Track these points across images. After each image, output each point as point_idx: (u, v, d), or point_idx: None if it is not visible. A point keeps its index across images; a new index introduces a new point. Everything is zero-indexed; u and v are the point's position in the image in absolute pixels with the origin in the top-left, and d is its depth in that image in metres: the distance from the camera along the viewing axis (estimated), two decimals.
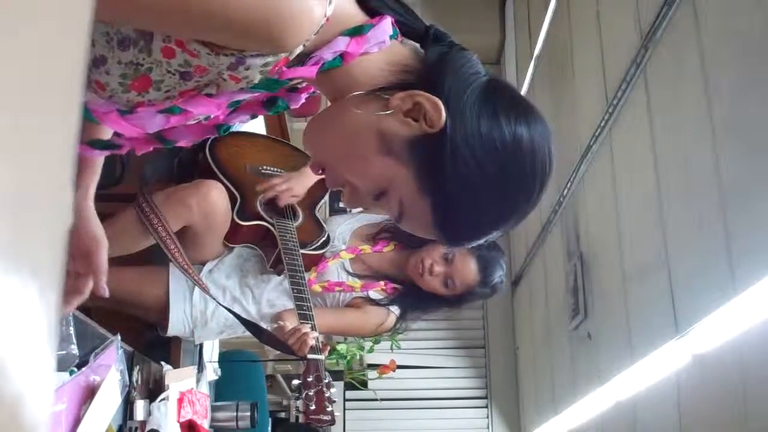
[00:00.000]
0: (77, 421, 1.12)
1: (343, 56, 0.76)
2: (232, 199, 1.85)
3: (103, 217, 1.81)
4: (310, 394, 1.50)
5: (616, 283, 2.96)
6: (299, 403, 1.50)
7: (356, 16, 0.78)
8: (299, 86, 0.87)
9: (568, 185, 3.66)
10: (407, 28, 0.83)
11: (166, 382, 1.52)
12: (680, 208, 2.35)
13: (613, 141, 3.06)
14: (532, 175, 0.79)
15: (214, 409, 1.80)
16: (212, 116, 0.85)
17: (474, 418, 5.36)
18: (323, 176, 0.86)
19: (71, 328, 1.14)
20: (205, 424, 1.63)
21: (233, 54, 0.72)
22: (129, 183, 2.02)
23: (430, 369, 5.38)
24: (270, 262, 1.90)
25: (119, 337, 1.30)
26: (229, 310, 1.50)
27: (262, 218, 1.89)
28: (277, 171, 2.06)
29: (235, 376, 2.33)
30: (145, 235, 1.74)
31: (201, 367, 1.99)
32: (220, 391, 2.15)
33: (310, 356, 1.58)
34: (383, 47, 0.79)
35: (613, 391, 3.02)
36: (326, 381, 1.53)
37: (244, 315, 1.79)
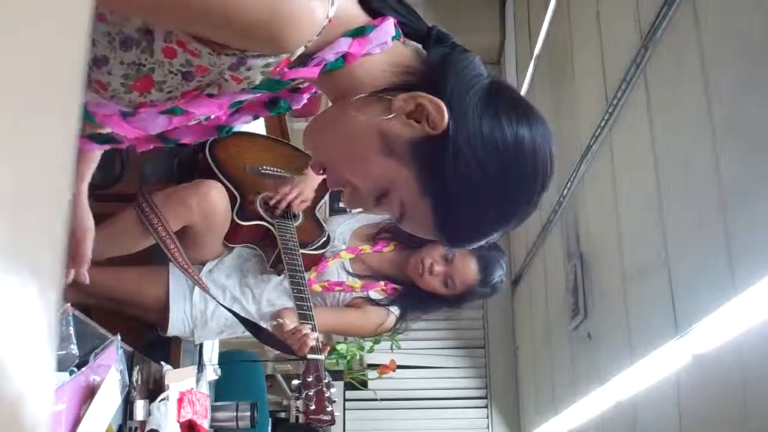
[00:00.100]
0: (77, 421, 1.12)
1: (345, 57, 0.76)
2: (232, 199, 1.85)
3: (103, 217, 1.82)
4: (310, 394, 1.50)
5: (616, 283, 2.96)
6: (299, 403, 1.50)
7: (358, 17, 0.78)
8: (301, 87, 0.87)
9: (568, 185, 3.66)
10: (409, 29, 0.83)
11: (166, 382, 1.52)
12: (680, 208, 2.35)
13: (613, 141, 3.06)
14: (533, 177, 0.79)
15: (214, 409, 1.80)
16: (214, 117, 0.85)
17: (474, 418, 5.36)
18: (324, 176, 0.86)
19: (71, 328, 1.14)
20: (205, 424, 1.63)
21: (234, 54, 0.72)
22: (129, 182, 2.03)
23: (430, 369, 5.38)
24: (270, 262, 1.90)
25: (119, 337, 1.30)
26: (229, 310, 1.50)
27: (262, 218, 1.89)
28: (277, 171, 2.06)
29: (235, 376, 2.33)
30: (145, 235, 1.74)
31: (201, 367, 1.99)
32: (220, 391, 2.15)
33: (309, 356, 1.58)
34: (385, 48, 0.79)
35: (613, 391, 3.02)
36: (326, 381, 1.53)
37: (243, 315, 1.79)
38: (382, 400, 4.93)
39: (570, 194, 3.70)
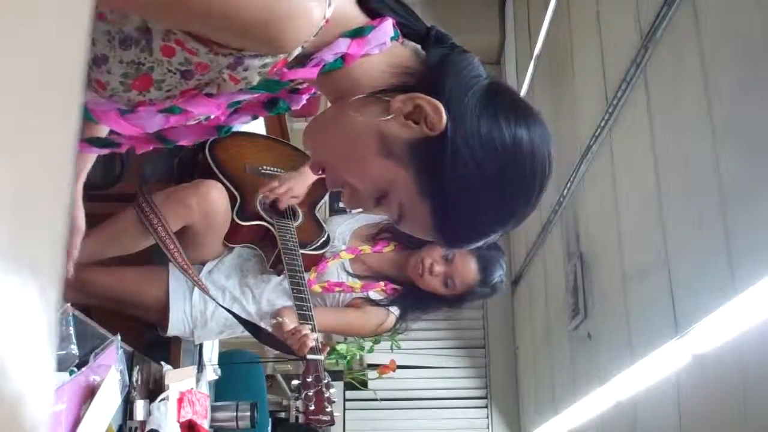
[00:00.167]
0: (77, 421, 1.12)
1: (344, 58, 0.76)
2: (232, 199, 1.85)
3: (103, 217, 1.82)
4: (310, 394, 1.50)
5: (616, 283, 2.96)
6: (299, 403, 1.50)
7: (357, 17, 0.78)
8: (300, 87, 0.87)
9: (568, 185, 3.66)
10: (408, 29, 0.83)
11: (166, 382, 1.52)
12: (680, 208, 2.35)
13: (613, 141, 3.06)
14: (532, 178, 0.79)
15: (214, 409, 1.80)
16: (213, 117, 0.85)
17: (474, 418, 5.36)
18: (323, 176, 0.86)
19: (71, 328, 1.14)
20: (205, 424, 1.63)
21: (231, 54, 0.72)
22: (129, 183, 2.03)
23: (430, 369, 5.38)
24: (270, 262, 1.90)
25: (119, 337, 1.30)
26: (229, 311, 1.51)
27: (261, 218, 1.89)
28: (277, 171, 2.06)
29: (235, 376, 2.33)
30: (145, 235, 1.74)
31: (201, 367, 1.99)
32: (220, 391, 2.15)
33: (309, 356, 1.58)
34: (384, 49, 0.79)
35: (613, 391, 3.02)
36: (326, 381, 1.53)
37: (243, 315, 1.79)
38: (382, 400, 4.93)
39: (570, 194, 3.70)
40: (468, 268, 1.94)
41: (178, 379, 1.57)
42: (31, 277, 0.21)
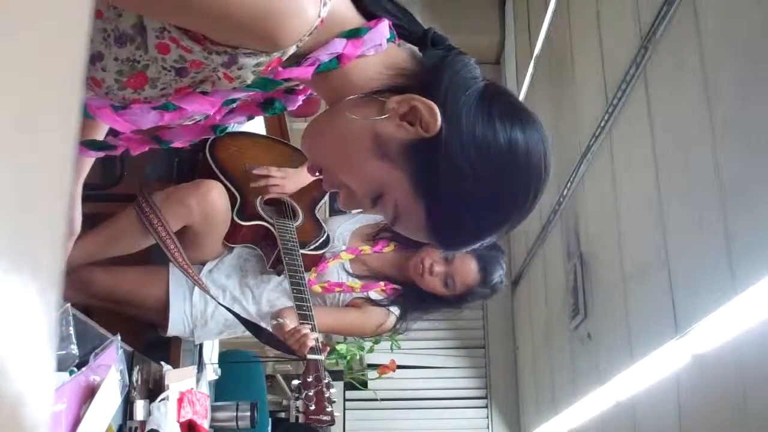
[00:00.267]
0: (77, 421, 1.12)
1: (339, 58, 0.76)
2: (232, 199, 1.85)
3: (103, 217, 1.82)
4: (310, 394, 1.50)
5: (616, 283, 2.96)
6: (299, 403, 1.50)
7: (353, 18, 0.78)
8: (296, 88, 0.87)
9: (568, 185, 3.66)
10: (405, 31, 0.83)
11: (166, 382, 1.52)
12: (680, 208, 2.35)
13: (613, 141, 3.06)
14: (527, 181, 0.79)
15: (214, 409, 1.80)
16: (208, 116, 0.85)
17: (474, 418, 5.36)
18: (320, 177, 0.86)
19: (71, 328, 1.14)
20: (205, 424, 1.63)
21: (226, 52, 0.72)
22: (129, 183, 2.03)
23: (430, 369, 5.38)
24: (270, 262, 1.90)
25: (119, 337, 1.30)
26: (229, 310, 1.51)
27: (261, 218, 1.89)
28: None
29: (235, 376, 2.33)
30: (145, 235, 1.74)
31: (201, 367, 1.99)
32: (220, 391, 2.15)
33: (309, 356, 1.58)
34: (380, 50, 0.79)
35: (613, 391, 3.03)
36: (326, 381, 1.53)
37: (244, 315, 1.79)
38: (382, 400, 4.93)
39: (570, 194, 3.70)
40: (468, 268, 1.94)
41: (178, 379, 1.57)
42: (31, 277, 0.21)
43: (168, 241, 1.69)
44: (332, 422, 1.51)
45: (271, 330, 1.75)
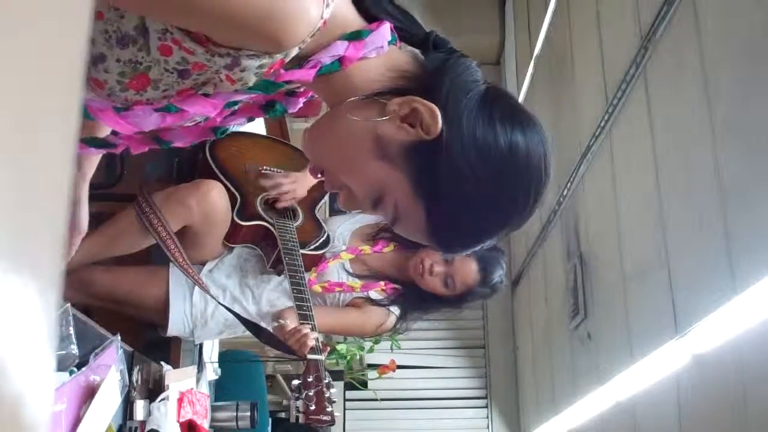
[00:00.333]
0: (77, 421, 1.12)
1: (341, 60, 0.77)
2: (232, 199, 1.85)
3: (104, 217, 1.82)
4: (310, 394, 1.50)
5: (616, 283, 2.97)
6: (299, 403, 1.50)
7: (355, 21, 0.78)
8: (297, 90, 0.88)
9: (568, 185, 3.66)
10: (407, 34, 0.83)
11: (166, 382, 1.52)
12: (680, 208, 2.35)
13: (613, 141, 3.06)
14: (527, 185, 0.79)
15: (214, 409, 1.80)
16: (209, 118, 0.85)
17: (474, 418, 5.36)
18: (323, 179, 0.86)
19: (71, 328, 1.14)
20: (205, 424, 1.63)
21: (229, 54, 0.72)
22: (129, 183, 2.03)
23: (430, 369, 5.38)
24: (270, 262, 1.90)
25: (119, 337, 1.30)
26: (229, 310, 1.51)
27: (262, 218, 1.89)
28: (277, 171, 2.06)
29: (235, 376, 2.33)
30: (145, 235, 1.74)
31: (201, 367, 1.99)
32: (220, 391, 2.15)
33: (310, 356, 1.58)
34: (381, 52, 0.79)
35: (613, 391, 3.03)
36: (326, 381, 1.53)
37: (244, 315, 1.79)
38: (382, 400, 4.93)
39: (570, 194, 3.70)
40: (468, 268, 1.94)
41: (178, 379, 1.57)
42: (31, 277, 0.21)
43: (168, 241, 1.69)
44: (332, 422, 1.51)
45: (271, 330, 1.75)
